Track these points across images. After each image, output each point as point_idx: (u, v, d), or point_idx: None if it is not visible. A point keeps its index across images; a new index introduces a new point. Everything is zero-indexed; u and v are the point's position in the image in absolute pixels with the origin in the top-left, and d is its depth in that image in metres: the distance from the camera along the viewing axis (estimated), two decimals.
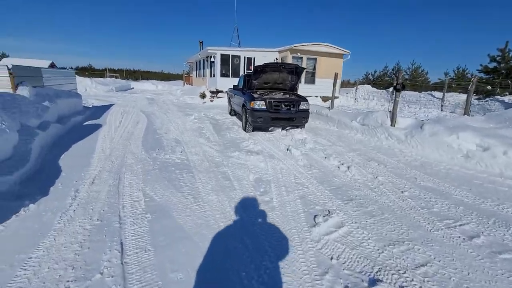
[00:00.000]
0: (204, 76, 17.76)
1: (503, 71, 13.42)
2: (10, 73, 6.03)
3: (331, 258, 2.07)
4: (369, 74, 28.14)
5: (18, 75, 6.35)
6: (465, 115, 7.35)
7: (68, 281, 1.75)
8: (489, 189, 3.45)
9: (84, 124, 6.88)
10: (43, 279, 1.76)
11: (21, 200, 2.67)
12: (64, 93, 7.80)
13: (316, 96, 15.03)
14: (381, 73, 26.54)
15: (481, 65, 14.41)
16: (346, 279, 1.87)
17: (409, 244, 2.27)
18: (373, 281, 1.85)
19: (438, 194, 3.27)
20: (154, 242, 2.18)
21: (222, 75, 14.63)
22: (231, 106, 9.16)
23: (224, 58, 14.54)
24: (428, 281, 1.86)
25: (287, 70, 7.16)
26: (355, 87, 16.83)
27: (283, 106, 6.36)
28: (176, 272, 1.87)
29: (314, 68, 15.22)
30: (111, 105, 11.01)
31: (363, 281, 1.86)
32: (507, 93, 12.39)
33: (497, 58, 13.52)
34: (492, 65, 13.91)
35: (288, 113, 6.39)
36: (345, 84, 28.00)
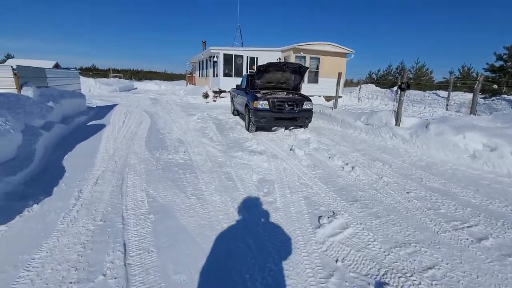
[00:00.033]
0: (207, 76, 17.78)
1: (509, 69, 13.25)
2: (15, 74, 6.08)
3: (336, 260, 2.03)
4: (372, 73, 28.05)
5: (23, 75, 6.40)
6: (471, 115, 7.26)
7: (71, 282, 1.74)
8: (497, 190, 3.39)
9: (88, 124, 6.91)
10: (46, 280, 1.75)
11: (25, 200, 2.67)
12: (68, 94, 7.85)
13: (320, 96, 14.98)
14: (385, 72, 26.39)
15: (487, 63, 14.29)
16: (352, 282, 1.84)
17: (415, 246, 2.22)
18: (380, 284, 1.81)
19: (444, 195, 3.21)
20: (157, 243, 2.17)
21: (225, 75, 14.63)
22: (234, 106, 9.15)
23: (227, 58, 14.54)
24: (436, 285, 1.81)
25: (290, 70, 7.13)
26: (359, 87, 16.75)
27: (286, 106, 6.33)
28: (179, 274, 1.85)
29: (317, 68, 15.16)
30: (114, 105, 11.06)
31: (369, 284, 1.82)
32: None
33: (504, 57, 13.36)
34: (499, 63, 13.76)
35: (291, 112, 6.35)
36: (349, 84, 27.84)
